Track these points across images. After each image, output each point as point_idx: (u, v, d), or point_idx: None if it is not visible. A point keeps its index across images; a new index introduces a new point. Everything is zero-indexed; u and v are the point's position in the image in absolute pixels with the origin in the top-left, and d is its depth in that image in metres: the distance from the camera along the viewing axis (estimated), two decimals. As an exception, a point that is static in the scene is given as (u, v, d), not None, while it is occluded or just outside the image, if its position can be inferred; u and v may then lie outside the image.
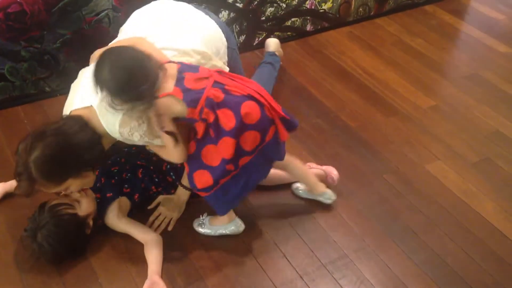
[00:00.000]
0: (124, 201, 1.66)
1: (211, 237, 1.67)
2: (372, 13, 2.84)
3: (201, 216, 1.70)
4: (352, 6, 2.74)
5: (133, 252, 1.60)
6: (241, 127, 1.40)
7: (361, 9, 2.78)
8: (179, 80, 1.37)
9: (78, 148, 1.40)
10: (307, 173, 1.75)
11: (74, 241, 1.54)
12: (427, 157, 2.00)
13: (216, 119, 1.39)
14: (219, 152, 1.42)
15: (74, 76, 2.16)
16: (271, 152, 1.51)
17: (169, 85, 1.36)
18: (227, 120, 1.39)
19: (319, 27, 2.72)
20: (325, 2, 2.63)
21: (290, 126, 1.54)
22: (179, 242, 1.65)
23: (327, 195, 1.76)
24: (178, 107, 1.37)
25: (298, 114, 2.13)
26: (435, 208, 1.80)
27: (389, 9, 2.89)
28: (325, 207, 1.77)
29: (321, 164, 1.87)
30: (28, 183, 1.38)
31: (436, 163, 1.98)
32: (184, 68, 1.42)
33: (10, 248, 1.60)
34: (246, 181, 1.50)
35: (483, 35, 2.79)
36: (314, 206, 1.78)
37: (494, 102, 2.31)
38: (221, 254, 1.62)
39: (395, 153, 2.02)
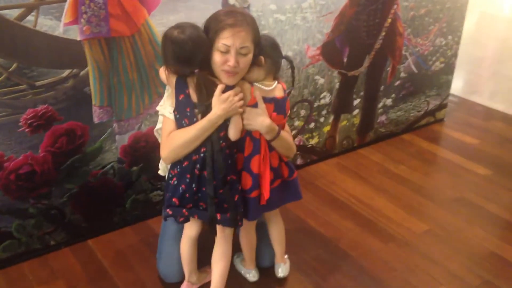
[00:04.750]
0: None
1: None
2: (355, 145, 3.05)
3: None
4: (337, 140, 2.94)
5: None
6: None
7: (345, 141, 2.99)
8: None
9: None
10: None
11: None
12: (430, 283, 2.04)
13: None
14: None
15: (79, 228, 2.23)
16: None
17: None
18: None
19: (308, 160, 2.89)
20: (312, 138, 2.84)
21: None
22: None
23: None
24: None
25: (299, 246, 2.20)
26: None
27: (370, 140, 3.11)
28: None
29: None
30: None
31: (441, 290, 2.01)
32: None
33: None
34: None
35: (461, 159, 2.99)
36: None
37: (484, 224, 2.42)
38: None
39: (399, 281, 2.05)
